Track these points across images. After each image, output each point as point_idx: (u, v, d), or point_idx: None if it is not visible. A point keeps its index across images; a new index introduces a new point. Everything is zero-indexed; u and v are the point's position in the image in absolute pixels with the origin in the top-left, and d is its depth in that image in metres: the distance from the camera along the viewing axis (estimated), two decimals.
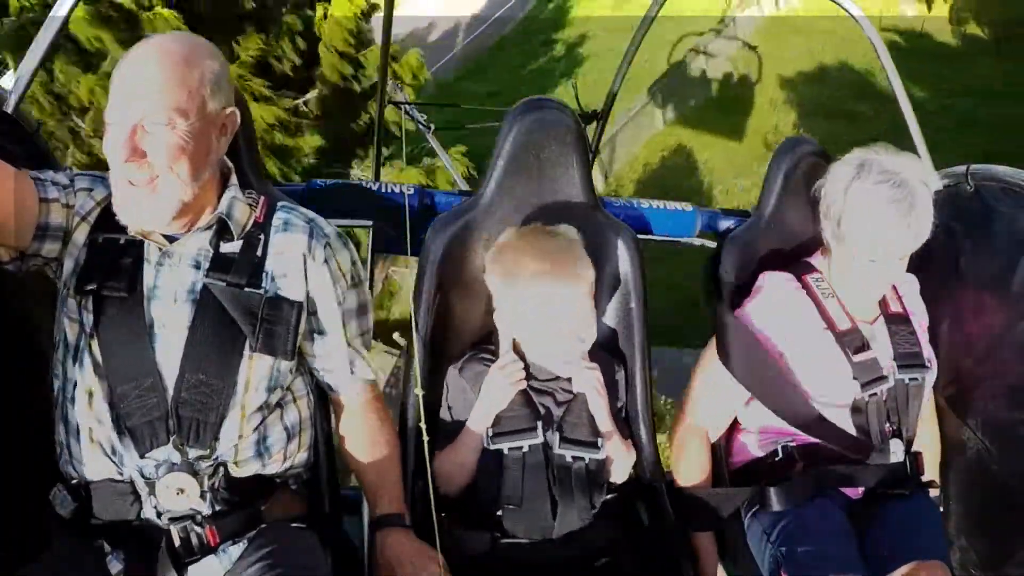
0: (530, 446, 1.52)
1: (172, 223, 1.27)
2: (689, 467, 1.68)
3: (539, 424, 1.53)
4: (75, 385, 1.25)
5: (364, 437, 1.46)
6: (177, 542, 1.24)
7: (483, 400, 1.54)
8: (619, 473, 1.62)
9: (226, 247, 1.31)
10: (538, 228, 1.59)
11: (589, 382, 1.56)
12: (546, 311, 1.48)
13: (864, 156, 1.59)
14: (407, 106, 4.21)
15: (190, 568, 1.25)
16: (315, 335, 1.38)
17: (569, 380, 1.57)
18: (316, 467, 1.48)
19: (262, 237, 1.33)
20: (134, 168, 1.19)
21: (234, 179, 1.37)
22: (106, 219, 1.29)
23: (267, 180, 1.68)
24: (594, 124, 3.36)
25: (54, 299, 1.32)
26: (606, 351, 1.68)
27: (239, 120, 1.33)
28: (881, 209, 1.52)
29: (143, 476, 1.23)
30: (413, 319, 1.64)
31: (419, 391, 1.52)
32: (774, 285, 1.70)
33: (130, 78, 1.21)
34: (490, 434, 1.52)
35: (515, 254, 1.53)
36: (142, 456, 1.23)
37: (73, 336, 1.26)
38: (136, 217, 1.24)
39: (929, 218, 1.53)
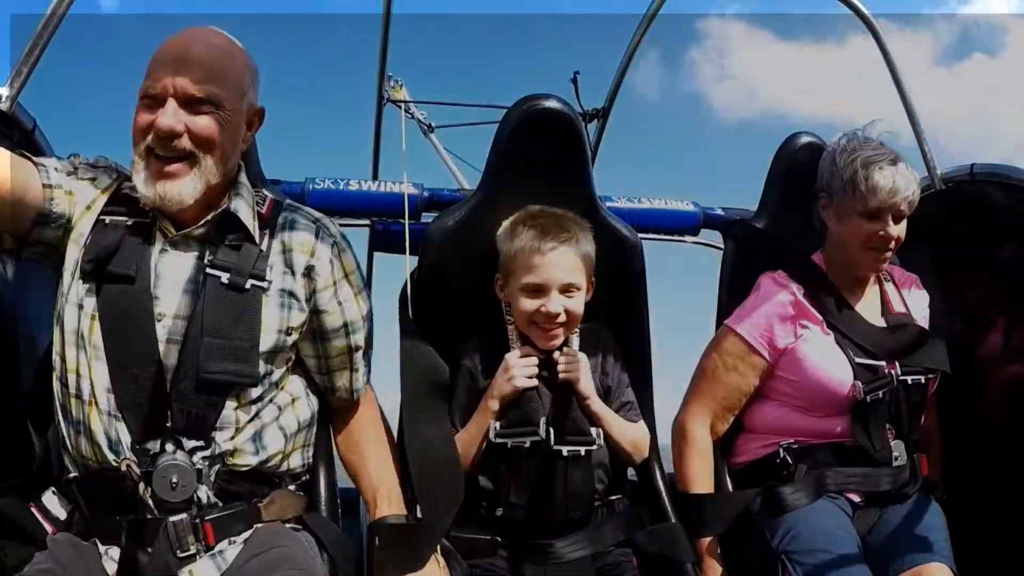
0: (532, 442, 1.51)
1: (189, 209, 1.26)
2: (691, 468, 1.67)
3: (543, 420, 1.52)
4: (74, 371, 1.24)
5: (362, 439, 1.45)
6: (173, 538, 1.21)
7: (495, 387, 1.53)
8: (639, 449, 1.63)
9: (231, 241, 1.30)
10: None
11: (571, 365, 1.55)
12: (529, 263, 1.51)
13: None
14: (406, 105, 4.16)
15: (186, 570, 1.23)
16: (315, 337, 1.38)
17: (555, 375, 1.55)
18: (314, 468, 1.46)
19: (267, 233, 1.33)
20: (169, 142, 1.20)
21: (243, 176, 1.37)
22: (112, 205, 1.29)
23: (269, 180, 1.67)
24: (595, 122, 3.34)
25: (51, 294, 1.31)
26: (605, 348, 1.66)
27: (264, 117, 1.36)
28: (868, 154, 1.62)
29: (139, 465, 1.21)
30: (413, 318, 1.63)
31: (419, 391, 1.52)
32: (775, 285, 1.69)
33: (180, 55, 1.22)
34: (496, 428, 1.51)
35: (514, 219, 1.59)
36: (139, 444, 1.21)
37: (73, 321, 1.25)
38: (163, 191, 1.22)
39: (913, 176, 1.63)
